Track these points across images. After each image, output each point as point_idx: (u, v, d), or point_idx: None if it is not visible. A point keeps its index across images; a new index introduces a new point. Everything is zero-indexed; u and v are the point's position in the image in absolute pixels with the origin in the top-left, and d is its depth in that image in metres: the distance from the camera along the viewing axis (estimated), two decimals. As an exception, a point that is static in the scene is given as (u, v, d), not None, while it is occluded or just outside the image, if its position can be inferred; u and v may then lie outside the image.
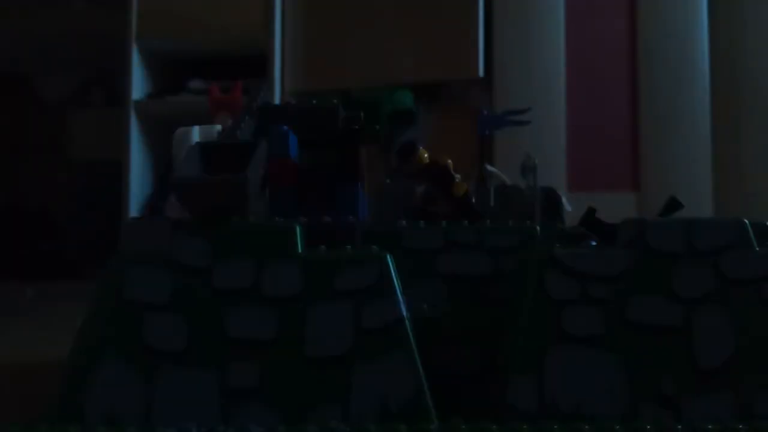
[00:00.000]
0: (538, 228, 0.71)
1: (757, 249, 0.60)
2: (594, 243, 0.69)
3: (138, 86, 1.75)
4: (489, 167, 0.96)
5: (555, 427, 0.53)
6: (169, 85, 1.82)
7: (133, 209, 1.69)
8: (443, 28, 1.75)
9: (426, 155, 0.82)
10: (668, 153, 1.78)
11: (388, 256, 0.59)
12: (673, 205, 0.73)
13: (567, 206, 0.96)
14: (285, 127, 0.68)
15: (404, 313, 0.58)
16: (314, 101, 0.75)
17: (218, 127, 0.72)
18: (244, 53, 1.77)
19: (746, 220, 0.60)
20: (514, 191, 0.88)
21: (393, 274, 0.59)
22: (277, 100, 1.69)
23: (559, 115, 1.79)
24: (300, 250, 0.59)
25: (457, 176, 0.84)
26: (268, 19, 1.77)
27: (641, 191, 1.79)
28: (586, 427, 0.53)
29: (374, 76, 1.76)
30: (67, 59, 2.10)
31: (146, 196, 1.76)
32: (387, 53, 1.77)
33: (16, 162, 2.11)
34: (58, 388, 0.57)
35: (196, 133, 0.69)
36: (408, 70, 1.77)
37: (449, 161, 0.87)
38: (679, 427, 0.54)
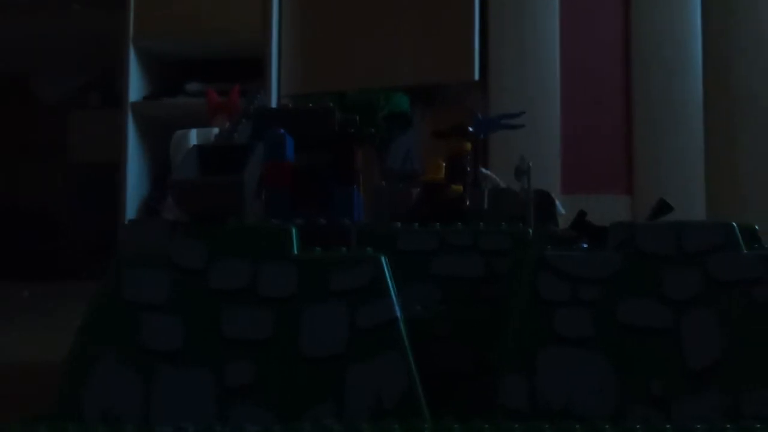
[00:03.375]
0: (530, 230, 0.73)
1: (745, 252, 0.61)
2: (585, 245, 0.70)
3: (135, 88, 1.76)
4: (483, 170, 0.97)
5: (546, 426, 0.54)
6: (166, 87, 1.83)
7: (130, 210, 1.70)
8: (439, 31, 1.76)
9: (469, 145, 0.83)
10: (662, 156, 1.79)
11: (383, 258, 0.60)
12: (663, 207, 0.74)
13: (561, 209, 0.97)
14: (281, 130, 0.69)
15: (398, 314, 0.58)
16: (310, 104, 0.76)
17: (216, 130, 0.73)
18: (242, 55, 1.78)
19: (734, 223, 0.61)
20: (508, 194, 0.89)
21: (387, 275, 0.59)
22: (273, 103, 1.70)
23: (554, 118, 1.80)
24: (295, 252, 0.60)
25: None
26: (265, 21, 1.78)
27: (635, 194, 1.81)
28: (577, 426, 0.54)
29: (370, 79, 1.77)
30: (64, 61, 2.11)
31: (143, 198, 1.77)
32: (383, 56, 1.78)
33: (14, 163, 2.11)
34: (57, 387, 0.58)
35: (193, 136, 0.70)
36: (404, 73, 1.78)
37: (443, 164, 0.88)
38: (668, 426, 0.55)
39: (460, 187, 0.82)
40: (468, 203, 0.87)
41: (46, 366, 0.97)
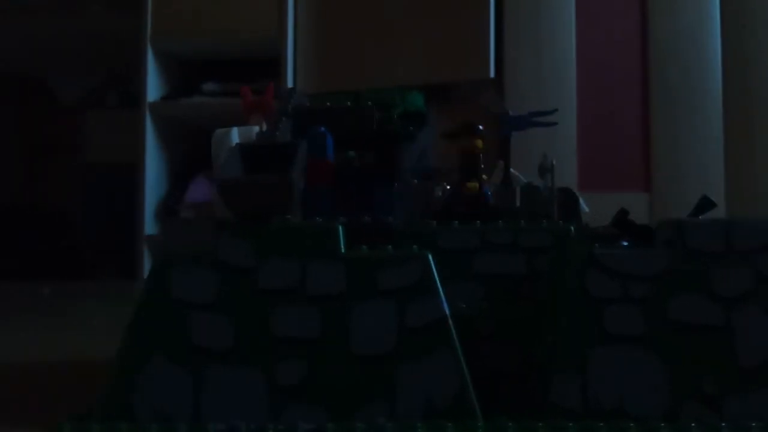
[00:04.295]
0: (572, 228, 0.72)
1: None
2: (626, 243, 0.70)
3: (153, 88, 1.76)
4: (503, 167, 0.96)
5: (601, 425, 0.54)
6: (183, 87, 1.82)
7: (148, 210, 1.69)
8: (454, 28, 1.76)
9: (480, 143, 0.82)
10: (680, 153, 1.78)
11: (429, 256, 0.60)
12: (706, 204, 0.73)
13: (584, 207, 0.96)
14: (322, 128, 0.68)
15: (447, 312, 0.58)
16: (348, 103, 0.75)
17: (256, 128, 0.72)
18: (258, 55, 1.77)
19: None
20: (530, 191, 0.88)
21: (435, 273, 0.59)
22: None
23: (570, 115, 1.79)
24: (342, 250, 0.59)
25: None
26: (281, 21, 1.77)
27: (652, 191, 1.80)
28: (632, 425, 0.54)
29: (386, 77, 1.76)
30: (83, 61, 2.11)
31: (161, 198, 1.76)
32: (398, 54, 1.78)
33: (32, 162, 2.12)
34: (106, 387, 0.58)
35: (235, 135, 0.70)
36: (419, 71, 1.77)
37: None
38: (723, 425, 0.55)
39: (476, 185, 0.81)
40: (500, 201, 0.87)
41: (68, 364, 0.97)
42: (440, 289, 0.59)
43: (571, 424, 0.54)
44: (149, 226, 1.66)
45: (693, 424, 0.55)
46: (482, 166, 0.85)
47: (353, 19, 1.81)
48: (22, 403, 0.78)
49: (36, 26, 1.99)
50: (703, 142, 1.78)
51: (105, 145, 2.10)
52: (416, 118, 1.89)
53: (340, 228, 0.60)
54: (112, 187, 2.00)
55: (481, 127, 0.86)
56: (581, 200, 0.95)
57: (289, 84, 1.77)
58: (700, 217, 0.70)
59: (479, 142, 0.83)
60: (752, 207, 1.74)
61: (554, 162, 0.88)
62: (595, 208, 0.94)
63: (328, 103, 0.79)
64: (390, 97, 1.79)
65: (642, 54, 1.81)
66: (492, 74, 1.76)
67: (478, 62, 1.76)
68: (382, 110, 0.77)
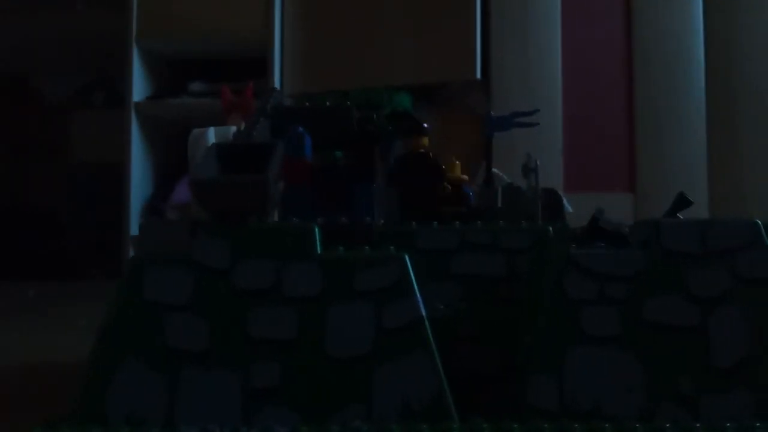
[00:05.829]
0: (551, 229, 0.72)
1: (771, 249, 0.60)
2: (602, 244, 0.69)
3: (138, 88, 1.75)
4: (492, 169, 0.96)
5: (576, 426, 0.54)
6: (169, 87, 1.82)
7: (134, 210, 1.69)
8: (441, 30, 1.76)
9: (426, 141, 0.81)
10: (664, 154, 1.79)
11: (406, 257, 0.59)
12: (682, 202, 0.73)
13: (568, 207, 0.96)
14: (300, 128, 0.68)
15: (424, 313, 0.58)
16: (327, 102, 0.75)
17: (233, 128, 0.72)
18: (244, 55, 1.77)
19: (759, 221, 0.61)
20: (512, 191, 0.88)
21: (412, 275, 0.59)
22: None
23: (556, 116, 1.80)
24: (319, 251, 0.59)
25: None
26: (268, 21, 1.77)
27: (637, 192, 1.80)
28: (607, 426, 0.54)
29: (373, 78, 1.76)
30: (68, 61, 2.10)
31: (147, 198, 1.76)
32: (385, 55, 1.77)
33: (18, 163, 2.10)
34: (79, 389, 0.57)
35: (211, 135, 0.70)
36: (406, 72, 1.77)
37: (457, 162, 0.87)
38: (698, 426, 0.55)
39: (447, 187, 0.81)
40: (481, 202, 0.87)
41: (51, 366, 0.97)
42: (417, 291, 0.59)
43: (546, 425, 0.54)
44: (135, 226, 1.66)
45: (668, 425, 0.55)
46: (443, 165, 0.83)
47: (341, 19, 1.81)
48: (3, 405, 0.77)
49: (21, 26, 1.98)
50: (687, 142, 1.78)
51: (91, 145, 2.09)
52: (403, 118, 1.88)
53: (317, 229, 0.59)
54: (99, 188, 1.99)
55: (426, 125, 0.85)
56: (565, 201, 0.95)
57: (276, 84, 1.76)
58: (677, 215, 0.70)
59: (425, 140, 0.82)
60: (735, 208, 1.75)
61: (538, 162, 0.87)
62: (579, 209, 0.94)
63: (307, 103, 0.78)
64: (377, 98, 1.79)
65: (627, 55, 1.81)
66: (479, 75, 1.76)
67: (464, 63, 1.76)
68: (363, 110, 0.77)
